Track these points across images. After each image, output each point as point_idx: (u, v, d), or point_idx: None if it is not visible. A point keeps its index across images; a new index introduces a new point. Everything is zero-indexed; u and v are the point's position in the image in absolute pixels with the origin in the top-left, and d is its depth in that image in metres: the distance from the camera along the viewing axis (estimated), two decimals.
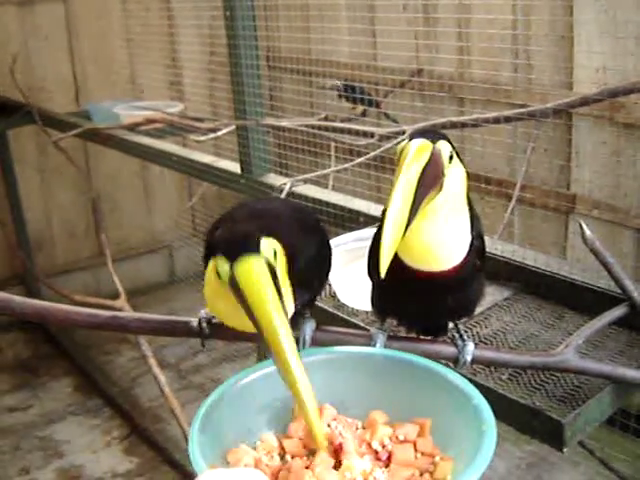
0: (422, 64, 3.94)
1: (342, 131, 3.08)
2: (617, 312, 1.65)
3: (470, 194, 1.24)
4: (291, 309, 1.17)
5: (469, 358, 1.36)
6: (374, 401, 1.14)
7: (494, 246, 2.15)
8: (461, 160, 1.20)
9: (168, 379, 3.27)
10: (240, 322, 1.07)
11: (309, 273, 1.24)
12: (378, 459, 1.04)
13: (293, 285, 1.16)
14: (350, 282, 1.95)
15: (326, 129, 3.07)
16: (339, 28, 4.34)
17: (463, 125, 2.59)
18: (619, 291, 1.71)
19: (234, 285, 1.04)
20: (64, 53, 4.85)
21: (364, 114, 3.78)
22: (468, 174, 1.22)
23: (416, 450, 1.06)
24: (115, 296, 3.45)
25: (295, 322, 1.32)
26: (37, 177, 4.93)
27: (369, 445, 1.06)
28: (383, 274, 1.10)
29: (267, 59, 4.47)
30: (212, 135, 3.32)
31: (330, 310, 1.95)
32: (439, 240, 1.19)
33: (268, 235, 1.09)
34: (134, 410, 3.97)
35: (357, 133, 2.98)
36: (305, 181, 2.83)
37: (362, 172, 2.93)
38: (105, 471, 3.56)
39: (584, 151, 3.44)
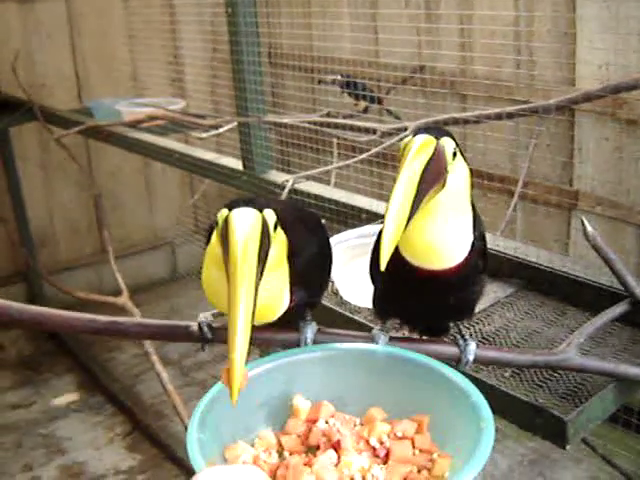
0: (424, 60, 3.93)
1: (344, 127, 3.07)
2: (619, 309, 1.65)
3: (472, 192, 1.23)
4: (285, 301, 1.18)
5: (471, 358, 1.36)
6: (372, 398, 1.14)
7: (496, 243, 2.14)
8: (464, 158, 1.20)
9: (170, 376, 3.28)
10: (223, 298, 1.06)
11: (308, 270, 1.23)
12: (376, 456, 1.04)
13: (292, 282, 1.16)
14: (352, 279, 1.95)
15: (328, 126, 3.07)
16: (341, 24, 4.34)
17: (465, 121, 2.59)
18: (621, 288, 1.71)
19: (225, 229, 1.06)
20: (66, 50, 4.85)
21: (366, 110, 3.77)
22: (471, 171, 1.21)
23: (414, 447, 1.06)
24: (118, 293, 3.46)
25: (296, 324, 1.32)
26: (39, 174, 4.93)
27: (367, 442, 1.06)
28: (383, 267, 1.09)
29: (269, 56, 4.46)
30: (214, 132, 3.32)
31: (332, 307, 1.94)
32: (441, 238, 1.18)
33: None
34: (137, 407, 3.98)
35: (359, 129, 2.97)
36: (307, 178, 2.83)
37: (364, 169, 2.93)
38: (108, 468, 3.57)
39: (586, 147, 3.43)
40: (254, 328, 1.03)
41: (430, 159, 1.12)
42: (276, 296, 1.17)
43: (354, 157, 2.81)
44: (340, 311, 1.92)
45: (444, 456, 1.03)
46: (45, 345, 4.73)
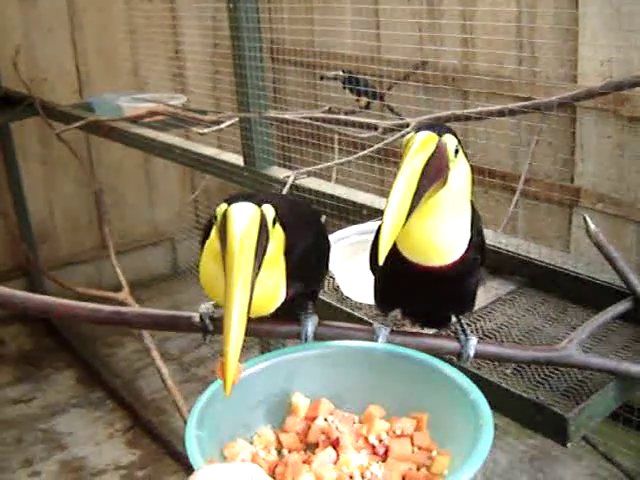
0: (426, 56, 3.92)
1: (346, 124, 3.06)
2: (621, 306, 1.64)
3: (473, 188, 1.22)
4: (282, 295, 1.19)
5: (472, 352, 1.36)
6: (371, 395, 1.14)
7: (498, 240, 2.14)
8: (466, 155, 1.19)
9: (171, 371, 3.28)
10: (220, 292, 1.06)
11: (305, 265, 1.24)
12: (375, 453, 1.04)
13: (288, 276, 1.17)
14: (353, 275, 1.94)
15: (329, 122, 3.06)
16: (343, 20, 4.33)
17: (467, 118, 2.58)
18: (623, 285, 1.70)
19: (224, 223, 1.06)
20: (67, 45, 4.84)
21: (368, 106, 3.76)
22: (472, 168, 1.20)
23: (413, 445, 1.06)
24: (118, 288, 3.46)
25: (297, 317, 1.33)
26: (40, 169, 4.93)
27: (366, 439, 1.06)
28: (381, 261, 1.09)
29: (271, 51, 4.45)
30: (215, 127, 3.31)
31: (333, 303, 1.94)
32: (439, 235, 1.18)
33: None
34: (137, 402, 3.98)
35: (361, 126, 2.96)
36: (308, 174, 2.82)
37: (366, 165, 2.92)
38: (108, 463, 3.57)
39: (588, 144, 3.43)
40: (251, 321, 1.04)
41: (432, 156, 1.12)
42: (272, 290, 1.17)
43: (355, 153, 2.81)
44: (341, 307, 1.92)
45: (443, 454, 1.03)
46: (45, 340, 4.73)
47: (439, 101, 3.53)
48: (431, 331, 1.51)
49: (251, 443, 1.08)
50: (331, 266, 1.49)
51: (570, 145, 3.46)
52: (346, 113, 3.51)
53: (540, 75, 3.48)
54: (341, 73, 3.73)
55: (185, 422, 1.02)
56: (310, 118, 3.02)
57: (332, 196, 2.60)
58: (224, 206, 1.09)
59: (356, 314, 1.88)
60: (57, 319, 4.31)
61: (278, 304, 1.20)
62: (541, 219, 3.60)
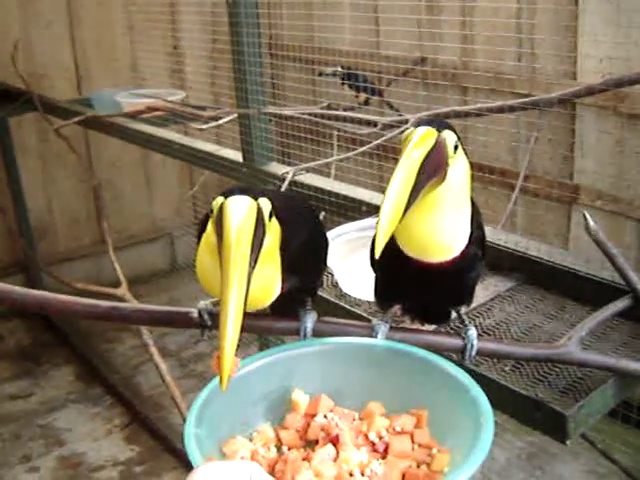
0: (425, 53, 3.91)
1: (345, 120, 3.05)
2: (620, 304, 1.64)
3: (472, 185, 1.22)
4: (277, 289, 1.19)
5: (475, 344, 1.35)
6: (371, 392, 1.13)
7: (497, 236, 2.14)
8: (465, 151, 1.19)
9: (169, 367, 3.28)
10: (217, 285, 1.06)
11: (301, 259, 1.23)
12: (375, 451, 1.04)
13: (284, 270, 1.17)
14: (352, 272, 1.94)
15: (329, 118, 3.05)
16: (342, 16, 4.32)
17: (466, 114, 2.58)
18: (622, 282, 1.70)
19: (220, 216, 1.06)
20: (65, 40, 4.83)
21: (367, 103, 3.76)
22: (471, 165, 1.20)
23: (413, 442, 1.06)
24: (116, 284, 3.45)
25: (296, 313, 1.32)
26: (38, 165, 4.92)
27: (366, 436, 1.05)
28: (378, 255, 1.09)
29: (269, 47, 4.44)
30: (214, 123, 3.30)
31: (332, 300, 1.94)
32: (439, 232, 1.18)
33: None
34: (135, 398, 3.98)
35: (360, 122, 2.96)
36: (307, 170, 2.82)
37: (365, 161, 2.92)
38: (106, 459, 3.57)
39: (588, 141, 3.42)
40: (249, 317, 1.04)
41: (430, 151, 1.12)
42: (267, 284, 1.17)
43: (354, 149, 2.80)
44: (340, 304, 1.92)
45: (443, 451, 1.03)
46: (44, 336, 4.73)
47: (438, 97, 3.53)
48: (431, 327, 1.51)
49: (250, 440, 1.07)
50: (330, 262, 1.48)
51: (569, 142, 3.46)
52: (345, 109, 3.51)
53: (539, 71, 3.48)
54: (340, 69, 3.72)
55: (184, 418, 1.02)
56: (309, 114, 3.01)
57: (331, 192, 2.60)
58: (220, 199, 1.09)
59: (355, 310, 1.88)
60: (55, 315, 4.30)
61: (273, 298, 1.20)
62: (540, 216, 3.60)
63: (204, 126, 3.33)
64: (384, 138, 2.66)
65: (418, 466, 1.01)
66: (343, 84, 3.75)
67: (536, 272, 2.01)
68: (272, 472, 1.00)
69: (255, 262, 1.06)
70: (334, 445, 1.02)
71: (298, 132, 3.06)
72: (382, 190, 2.65)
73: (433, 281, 1.26)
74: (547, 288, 1.99)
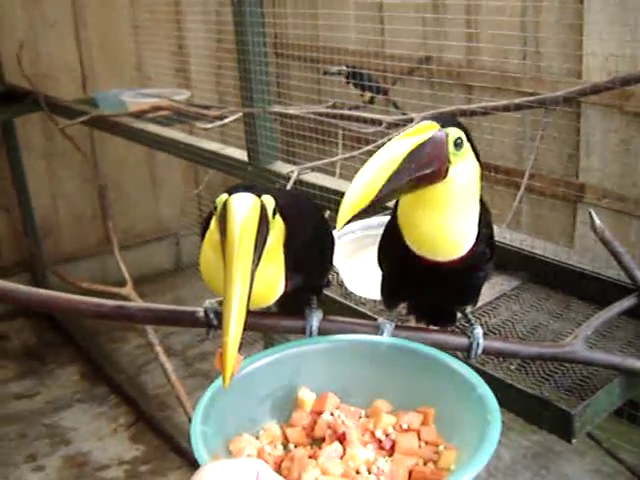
0: (430, 51, 3.91)
1: (350, 119, 3.05)
2: (626, 303, 1.63)
3: (481, 184, 1.22)
4: (281, 287, 1.18)
5: (481, 342, 1.35)
6: (378, 389, 1.13)
7: (502, 235, 2.14)
8: (476, 151, 1.18)
9: (174, 366, 3.27)
10: (221, 282, 1.06)
11: (305, 257, 1.23)
12: (381, 448, 1.03)
13: (287, 267, 1.17)
14: (358, 271, 1.94)
15: (333, 117, 3.05)
16: (347, 15, 4.31)
17: (472, 113, 2.57)
18: (628, 281, 1.70)
19: (224, 213, 1.06)
20: (71, 40, 4.84)
21: (372, 101, 3.76)
22: (481, 164, 1.19)
23: (420, 439, 1.05)
24: (122, 283, 3.45)
25: (302, 312, 1.32)
26: (44, 164, 4.93)
27: (372, 434, 1.05)
28: (339, 228, 1.10)
29: (274, 46, 4.44)
30: (219, 123, 3.30)
31: (338, 299, 1.94)
32: (447, 230, 1.18)
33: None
34: (140, 397, 3.98)
35: (365, 121, 2.96)
36: (312, 169, 2.82)
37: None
38: (111, 458, 3.57)
39: (593, 140, 3.42)
40: (254, 315, 1.03)
41: (425, 142, 1.10)
42: (271, 282, 1.17)
43: (359, 148, 2.80)
44: (346, 303, 1.92)
45: (450, 448, 1.02)
46: (49, 335, 4.74)
47: (443, 96, 3.52)
48: (436, 328, 1.51)
49: (257, 438, 1.07)
50: (335, 261, 1.48)
51: (575, 140, 3.45)
52: (350, 108, 3.51)
53: (545, 70, 3.47)
54: (345, 68, 3.72)
55: (189, 417, 1.02)
56: (314, 113, 3.02)
57: (336, 191, 2.60)
58: (224, 196, 1.09)
59: (361, 309, 1.88)
60: (61, 314, 4.31)
61: (277, 296, 1.20)
62: (546, 215, 3.59)
63: (209, 125, 3.33)
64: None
65: (425, 463, 1.01)
66: (348, 83, 3.75)
67: (541, 271, 2.01)
68: (279, 470, 1.00)
69: (259, 259, 1.06)
70: (341, 443, 1.02)
71: (303, 131, 3.06)
72: None
73: (441, 280, 1.26)
74: (553, 287, 1.98)
